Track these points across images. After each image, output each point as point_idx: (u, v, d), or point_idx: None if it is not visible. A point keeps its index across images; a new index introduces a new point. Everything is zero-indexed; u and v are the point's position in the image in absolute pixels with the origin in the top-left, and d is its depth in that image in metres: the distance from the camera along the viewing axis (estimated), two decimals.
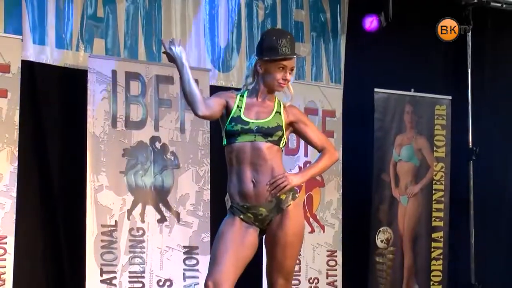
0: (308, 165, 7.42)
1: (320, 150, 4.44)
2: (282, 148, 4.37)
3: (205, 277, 4.33)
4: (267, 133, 4.30)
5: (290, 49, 4.31)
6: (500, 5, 8.48)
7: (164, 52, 4.31)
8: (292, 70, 4.37)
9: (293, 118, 4.39)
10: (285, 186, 4.26)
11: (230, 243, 4.30)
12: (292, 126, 4.42)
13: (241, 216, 4.35)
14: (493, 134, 8.53)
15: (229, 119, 4.35)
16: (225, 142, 4.38)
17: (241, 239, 4.33)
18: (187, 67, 4.28)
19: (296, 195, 4.38)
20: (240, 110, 4.35)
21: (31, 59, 6.50)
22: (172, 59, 4.28)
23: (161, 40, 4.34)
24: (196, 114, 4.32)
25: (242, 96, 4.41)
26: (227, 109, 4.36)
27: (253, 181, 4.30)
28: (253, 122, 4.32)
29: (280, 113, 4.36)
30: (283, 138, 4.35)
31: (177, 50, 4.27)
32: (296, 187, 4.41)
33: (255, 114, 4.34)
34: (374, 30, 7.80)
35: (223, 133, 4.40)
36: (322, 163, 4.42)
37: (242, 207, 4.33)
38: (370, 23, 7.80)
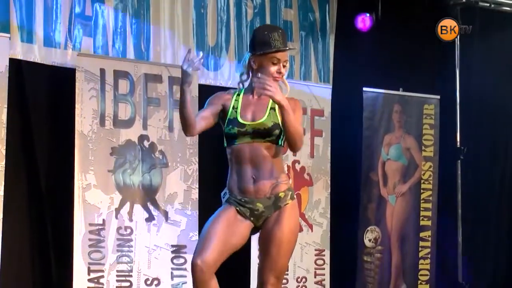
0: (297, 164, 7.46)
1: None
2: (282, 145, 4.39)
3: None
4: (264, 134, 4.33)
5: (282, 42, 4.35)
6: (488, 4, 8.51)
7: (185, 62, 4.24)
8: (285, 63, 4.40)
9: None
10: (270, 92, 4.17)
11: (222, 227, 4.32)
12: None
13: (238, 208, 4.38)
14: (481, 134, 8.55)
15: (226, 121, 4.38)
16: (225, 144, 4.43)
17: (233, 228, 4.34)
18: (190, 90, 4.30)
19: (294, 195, 4.42)
20: (236, 112, 4.38)
21: (19, 58, 6.47)
22: (184, 73, 4.23)
23: (189, 50, 4.30)
24: (185, 134, 4.42)
25: (238, 95, 4.44)
26: (224, 111, 4.41)
27: (253, 178, 4.35)
28: (249, 125, 4.34)
29: (274, 109, 4.36)
30: (281, 135, 4.36)
31: (193, 72, 4.24)
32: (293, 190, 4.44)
33: (251, 114, 4.36)
34: (367, 29, 7.81)
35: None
36: (297, 122, 4.30)
37: (240, 200, 4.37)
38: (363, 22, 7.81)
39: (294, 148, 4.35)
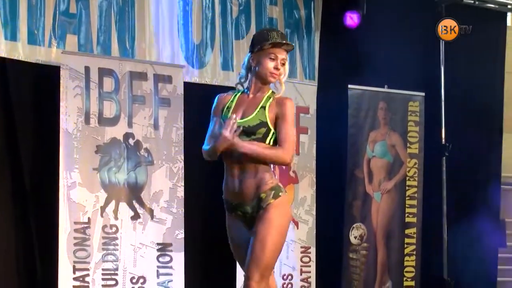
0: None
1: (278, 145, 4.40)
2: (270, 143, 4.38)
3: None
4: (249, 131, 4.35)
5: (280, 39, 4.41)
6: (472, 1, 8.54)
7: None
8: (283, 61, 4.42)
9: (278, 110, 4.40)
10: (224, 137, 4.25)
11: (240, 249, 4.46)
12: (276, 119, 4.41)
13: (233, 214, 4.47)
14: (466, 130, 8.57)
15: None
16: None
17: (246, 239, 4.43)
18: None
19: (280, 194, 4.41)
20: (229, 111, 4.43)
21: (3, 55, 6.45)
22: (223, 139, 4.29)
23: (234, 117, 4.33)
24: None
25: (236, 95, 4.51)
26: (222, 113, 4.49)
27: (239, 178, 4.39)
28: (237, 122, 4.35)
29: (265, 107, 4.39)
30: (269, 134, 4.37)
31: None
32: (283, 188, 4.46)
33: (241, 113, 4.38)
34: (355, 26, 7.81)
35: None
36: (267, 151, 4.34)
37: (231, 204, 4.46)
38: (351, 19, 7.81)
39: (282, 165, 4.43)
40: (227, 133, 4.24)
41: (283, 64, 4.43)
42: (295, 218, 7.52)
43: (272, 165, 4.50)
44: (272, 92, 4.47)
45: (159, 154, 6.79)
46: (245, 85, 4.52)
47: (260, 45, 4.39)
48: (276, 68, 4.40)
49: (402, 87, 8.18)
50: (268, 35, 4.39)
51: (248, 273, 4.37)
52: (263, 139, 4.37)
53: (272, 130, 4.37)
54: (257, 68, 4.42)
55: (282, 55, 4.41)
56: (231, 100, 4.50)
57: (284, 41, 4.42)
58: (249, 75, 4.48)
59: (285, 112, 4.38)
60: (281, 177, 7.32)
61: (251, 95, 4.45)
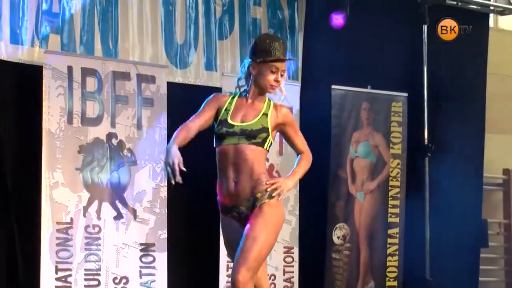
0: (265, 162, 7.44)
1: (300, 153, 4.67)
2: (267, 149, 4.50)
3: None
4: (250, 135, 4.44)
5: (283, 53, 4.50)
6: (455, 3, 8.57)
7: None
8: (283, 72, 4.52)
9: (282, 120, 4.54)
10: (282, 190, 4.47)
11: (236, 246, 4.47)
12: (280, 128, 4.57)
13: (229, 215, 4.53)
14: (449, 131, 8.60)
15: (217, 122, 4.51)
16: (214, 144, 4.54)
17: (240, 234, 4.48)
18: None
19: (273, 195, 4.45)
20: (227, 113, 4.50)
21: None
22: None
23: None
24: None
25: (233, 98, 4.56)
26: (217, 113, 4.53)
27: (234, 181, 4.45)
28: (237, 125, 4.46)
29: (267, 114, 4.50)
30: (268, 139, 4.49)
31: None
32: None
33: (241, 117, 4.48)
34: (340, 26, 7.82)
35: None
36: (303, 166, 4.64)
37: (226, 207, 4.51)
38: (337, 19, 7.82)
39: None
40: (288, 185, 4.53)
41: (282, 75, 4.53)
42: None
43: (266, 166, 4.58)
44: (268, 99, 4.57)
45: (142, 154, 6.78)
46: (242, 89, 4.60)
47: (263, 58, 4.47)
48: (276, 80, 4.50)
49: (385, 87, 8.21)
50: (271, 46, 4.46)
51: (235, 267, 4.38)
52: (262, 144, 4.46)
53: (271, 136, 4.50)
54: (257, 78, 4.51)
55: (282, 67, 4.51)
56: (229, 102, 4.55)
57: (287, 58, 4.52)
58: (249, 80, 4.57)
59: (291, 120, 4.60)
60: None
61: (249, 100, 4.54)
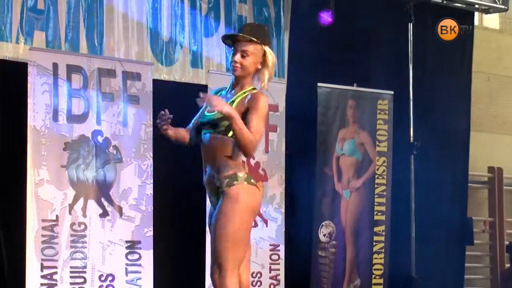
0: (251, 159, 7.45)
1: None
2: (233, 137, 4.35)
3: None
4: (213, 124, 4.41)
5: (238, 31, 4.48)
6: (440, 1, 8.60)
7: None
8: (245, 53, 4.41)
9: (247, 105, 4.39)
10: (211, 101, 4.28)
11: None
12: (246, 113, 4.39)
13: (210, 202, 4.57)
14: (434, 129, 8.63)
15: None
16: None
17: None
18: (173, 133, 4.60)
19: (234, 182, 4.37)
20: (207, 106, 4.44)
21: None
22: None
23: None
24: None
25: (225, 90, 4.55)
26: None
27: (205, 171, 4.48)
28: (205, 116, 4.45)
29: (234, 101, 4.41)
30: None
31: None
32: (243, 177, 4.41)
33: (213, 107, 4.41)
34: (328, 24, 7.82)
35: None
36: (246, 130, 4.29)
37: (207, 193, 4.54)
38: (324, 17, 7.82)
39: (245, 154, 4.39)
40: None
41: (245, 56, 4.42)
42: (264, 216, 7.52)
43: (240, 158, 4.49)
44: (253, 88, 4.47)
45: (128, 152, 6.76)
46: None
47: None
48: (234, 61, 4.43)
49: (371, 85, 8.22)
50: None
51: (210, 270, 4.40)
52: (225, 132, 4.37)
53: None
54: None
55: (242, 47, 4.42)
56: (218, 94, 4.56)
57: (234, 34, 4.52)
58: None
59: (255, 105, 4.36)
60: (250, 174, 7.29)
61: (231, 91, 4.51)
